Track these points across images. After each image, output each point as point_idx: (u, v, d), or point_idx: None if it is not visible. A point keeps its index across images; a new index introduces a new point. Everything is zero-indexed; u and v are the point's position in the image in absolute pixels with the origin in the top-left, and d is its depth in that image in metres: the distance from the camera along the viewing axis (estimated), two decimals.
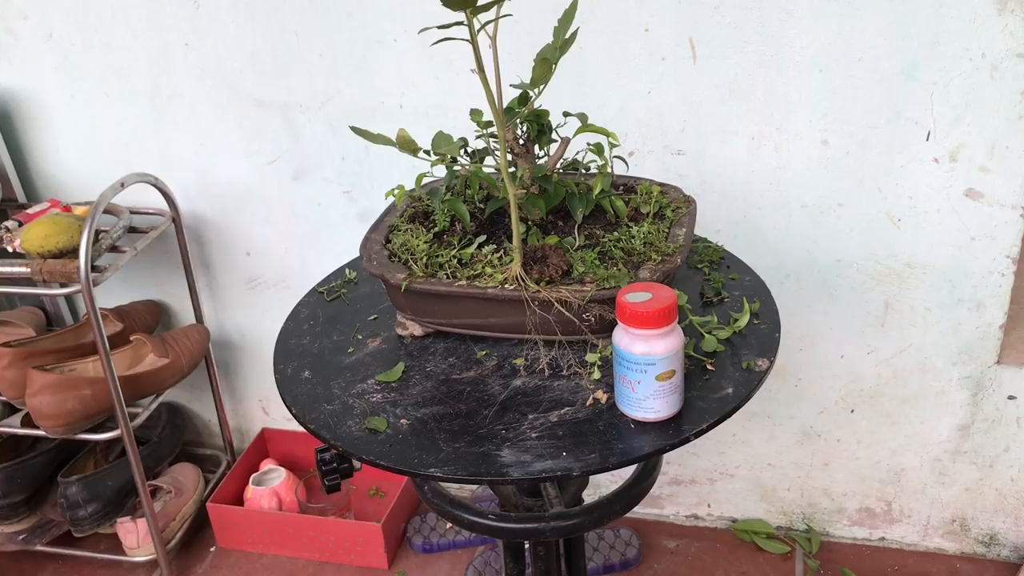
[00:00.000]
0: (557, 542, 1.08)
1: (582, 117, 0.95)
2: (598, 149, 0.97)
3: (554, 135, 0.96)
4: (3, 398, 1.49)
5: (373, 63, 1.35)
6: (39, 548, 1.61)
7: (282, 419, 1.77)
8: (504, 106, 0.88)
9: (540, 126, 0.94)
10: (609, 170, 0.98)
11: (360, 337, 0.98)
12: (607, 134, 0.94)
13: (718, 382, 0.85)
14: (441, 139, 0.91)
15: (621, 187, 1.05)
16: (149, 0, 1.39)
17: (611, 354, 0.82)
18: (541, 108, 0.93)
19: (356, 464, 0.92)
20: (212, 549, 1.67)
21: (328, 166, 1.47)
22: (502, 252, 0.91)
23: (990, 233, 1.25)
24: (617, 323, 0.80)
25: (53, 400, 1.36)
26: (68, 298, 1.74)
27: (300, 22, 1.35)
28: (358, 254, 0.99)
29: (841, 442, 1.50)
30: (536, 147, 0.95)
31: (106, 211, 1.41)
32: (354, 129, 0.89)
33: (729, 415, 0.82)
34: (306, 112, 1.43)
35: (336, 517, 1.62)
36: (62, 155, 1.58)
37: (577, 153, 1.05)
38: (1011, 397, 1.37)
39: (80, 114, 1.53)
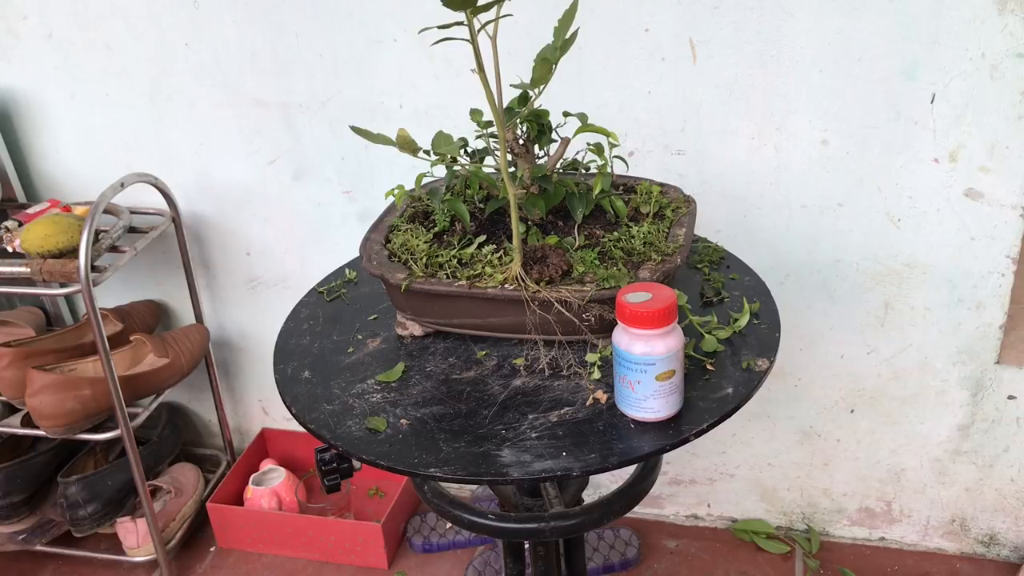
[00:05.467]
0: (557, 542, 1.08)
1: (582, 117, 0.95)
2: (598, 149, 0.97)
3: (554, 135, 0.96)
4: (3, 398, 1.49)
5: (373, 63, 1.35)
6: (39, 548, 1.61)
7: (282, 419, 1.77)
8: (504, 106, 0.88)
9: (540, 126, 0.94)
10: (609, 170, 0.98)
11: (360, 337, 0.98)
12: (607, 134, 0.94)
13: (718, 382, 0.85)
14: (441, 139, 0.91)
15: (621, 187, 1.05)
16: (149, 0, 1.39)
17: (611, 354, 0.82)
18: (541, 108, 0.93)
19: (356, 464, 0.92)
20: (212, 549, 1.67)
21: (328, 166, 1.47)
22: (502, 252, 0.91)
23: (990, 233, 1.25)
24: (617, 323, 0.80)
25: (53, 400, 1.36)
26: (68, 298, 1.74)
27: (300, 22, 1.35)
28: (358, 254, 0.99)
29: (841, 442, 1.50)
30: (536, 147, 0.95)
31: (106, 211, 1.41)
32: (354, 129, 0.89)
33: (729, 415, 0.82)
34: (306, 112, 1.43)
35: (336, 517, 1.62)
36: (62, 155, 1.58)
37: (577, 153, 1.05)
38: (1011, 397, 1.37)
39: (80, 114, 1.53)
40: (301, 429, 0.89)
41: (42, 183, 1.62)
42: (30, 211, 1.46)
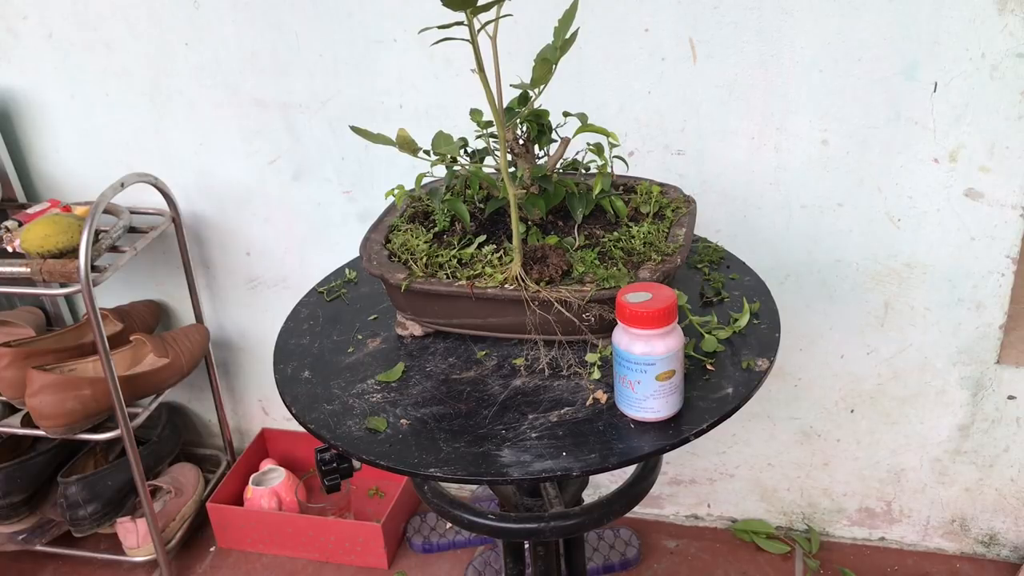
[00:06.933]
0: (557, 542, 1.08)
1: (582, 117, 0.95)
2: (598, 149, 0.97)
3: (554, 135, 0.96)
4: (3, 398, 1.49)
5: (373, 63, 1.35)
6: (39, 548, 1.61)
7: (282, 419, 1.77)
8: (504, 106, 0.88)
9: (540, 126, 0.94)
10: (609, 170, 0.98)
11: (360, 337, 0.98)
12: (607, 134, 0.94)
13: (718, 382, 0.85)
14: (441, 139, 0.91)
15: (621, 187, 1.05)
16: (149, 0, 1.39)
17: (611, 354, 0.82)
18: (541, 108, 0.93)
19: (356, 464, 0.92)
20: (212, 549, 1.67)
21: (328, 166, 1.47)
22: (502, 252, 0.91)
23: (990, 233, 1.25)
24: (617, 323, 0.80)
25: (53, 400, 1.36)
26: (68, 298, 1.74)
27: (300, 22, 1.35)
28: (358, 254, 0.99)
29: (841, 442, 1.50)
30: (536, 147, 0.95)
31: (106, 211, 1.41)
32: (354, 129, 0.89)
33: (729, 415, 0.82)
34: (306, 112, 1.43)
35: (336, 517, 1.62)
36: (62, 155, 1.58)
37: (577, 153, 1.05)
38: (1011, 397, 1.37)
39: (80, 114, 1.53)
40: (301, 429, 0.89)
41: (42, 183, 1.62)
42: (30, 211, 1.46)
